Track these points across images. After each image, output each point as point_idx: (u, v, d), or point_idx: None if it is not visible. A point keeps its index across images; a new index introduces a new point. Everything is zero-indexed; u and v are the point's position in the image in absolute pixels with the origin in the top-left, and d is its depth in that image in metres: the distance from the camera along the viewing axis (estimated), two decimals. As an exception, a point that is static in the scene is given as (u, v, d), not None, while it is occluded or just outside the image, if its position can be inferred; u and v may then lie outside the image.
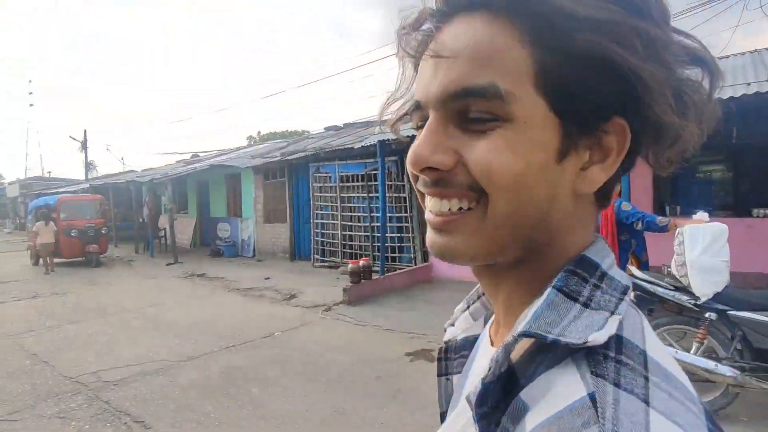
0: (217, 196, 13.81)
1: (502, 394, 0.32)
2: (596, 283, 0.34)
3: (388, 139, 7.20)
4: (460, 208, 0.35)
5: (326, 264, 9.92)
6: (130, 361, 4.60)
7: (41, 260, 11.98)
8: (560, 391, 0.30)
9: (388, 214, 8.36)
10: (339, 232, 9.71)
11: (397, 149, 7.67)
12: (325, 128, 13.99)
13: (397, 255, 8.59)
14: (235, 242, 12.51)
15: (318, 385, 3.88)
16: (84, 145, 25.26)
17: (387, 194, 7.98)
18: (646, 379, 0.29)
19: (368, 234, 9.04)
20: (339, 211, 9.67)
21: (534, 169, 0.33)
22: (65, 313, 6.79)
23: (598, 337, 0.30)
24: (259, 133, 41.29)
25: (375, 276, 7.13)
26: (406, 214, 8.43)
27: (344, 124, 13.44)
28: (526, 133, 0.32)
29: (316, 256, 10.17)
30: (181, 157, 21.52)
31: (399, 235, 8.58)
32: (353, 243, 9.49)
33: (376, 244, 8.97)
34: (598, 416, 0.27)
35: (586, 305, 0.32)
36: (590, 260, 0.35)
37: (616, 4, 0.31)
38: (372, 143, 7.35)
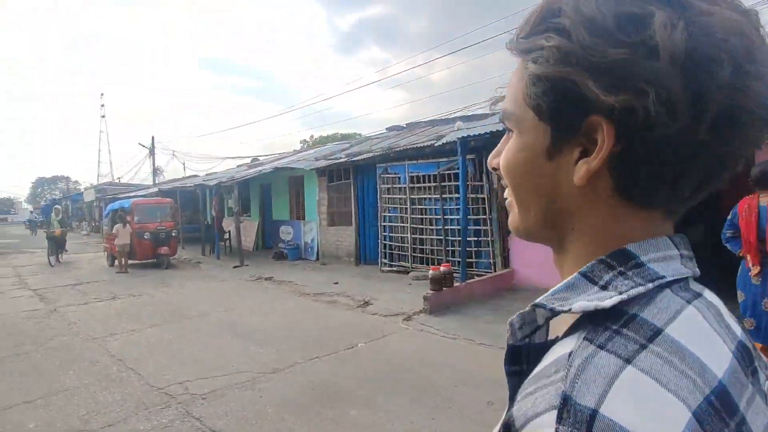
0: (280, 198, 13.82)
1: (534, 358, 0.37)
2: (623, 271, 0.36)
3: (469, 136, 6.67)
4: (509, 195, 0.45)
5: (395, 269, 9.50)
6: (215, 371, 4.36)
7: (117, 261, 12.48)
8: (557, 350, 0.35)
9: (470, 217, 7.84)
10: (408, 235, 9.27)
11: (475, 146, 7.11)
12: (387, 128, 13.65)
13: (473, 260, 8.02)
14: (299, 245, 12.41)
15: (423, 409, 3.43)
16: (152, 152, 26.58)
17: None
18: (642, 346, 0.31)
19: (440, 237, 8.54)
20: (408, 213, 9.22)
21: (523, 163, 0.41)
22: (144, 316, 6.79)
23: (583, 305, 0.34)
24: (312, 137, 41.93)
25: (456, 283, 6.60)
26: (484, 216, 7.84)
27: (407, 124, 13.04)
28: (520, 138, 0.41)
29: (383, 260, 9.78)
30: (241, 161, 22.04)
31: (476, 239, 8.01)
32: (423, 247, 9.02)
33: (450, 248, 8.45)
34: (568, 365, 0.32)
35: (604, 288, 0.35)
36: (627, 252, 0.37)
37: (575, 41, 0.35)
38: (452, 140, 6.82)
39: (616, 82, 0.33)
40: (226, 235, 14.04)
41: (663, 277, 0.35)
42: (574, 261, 0.41)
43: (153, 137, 27.04)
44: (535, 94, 0.38)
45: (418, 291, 7.52)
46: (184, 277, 10.53)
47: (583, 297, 0.35)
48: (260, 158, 20.60)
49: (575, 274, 0.38)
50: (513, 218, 0.45)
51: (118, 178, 40.21)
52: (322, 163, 11.26)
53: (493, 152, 0.46)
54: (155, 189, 19.56)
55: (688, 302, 0.35)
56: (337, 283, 8.65)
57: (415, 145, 8.87)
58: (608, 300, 0.33)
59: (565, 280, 0.38)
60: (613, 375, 0.30)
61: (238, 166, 20.02)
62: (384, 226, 9.77)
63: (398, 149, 9.27)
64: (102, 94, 71.30)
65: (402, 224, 9.42)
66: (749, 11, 0.35)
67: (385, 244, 9.77)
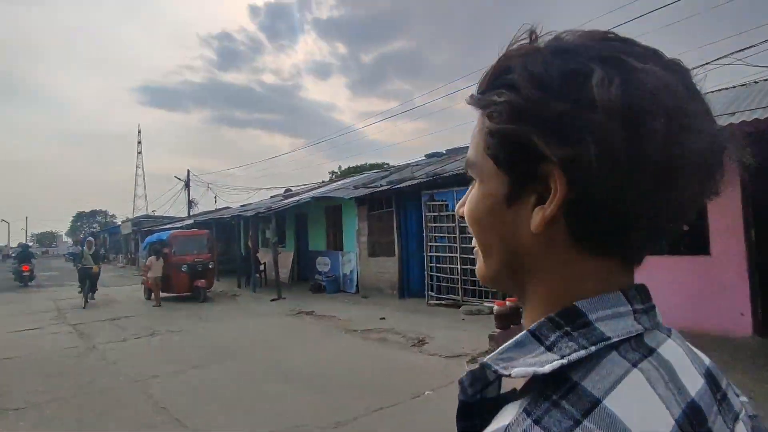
0: (317, 228, 13.52)
1: (487, 413, 0.37)
2: (569, 331, 0.36)
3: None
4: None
5: (443, 302, 8.89)
6: (271, 423, 3.86)
7: (152, 294, 12.31)
8: (497, 420, 0.34)
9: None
10: (458, 266, 8.70)
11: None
12: (426, 156, 13.31)
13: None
14: (337, 277, 11.96)
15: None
16: (187, 184, 27.09)
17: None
18: (577, 422, 0.31)
19: (494, 268, 7.93)
20: (458, 242, 8.69)
21: (485, 211, 0.42)
22: (185, 354, 6.40)
23: (521, 371, 0.34)
24: (340, 167, 42.20)
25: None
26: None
27: (447, 150, 12.66)
28: (481, 186, 0.42)
29: (430, 293, 9.20)
30: (274, 192, 22.09)
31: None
32: (475, 278, 8.40)
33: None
34: None
35: (549, 348, 0.35)
36: (576, 310, 0.37)
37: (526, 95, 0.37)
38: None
39: (561, 133, 0.35)
40: (261, 267, 13.76)
41: (608, 338, 0.35)
42: (531, 313, 0.41)
43: (188, 170, 27.66)
44: (493, 145, 0.39)
45: (475, 327, 6.90)
46: (222, 311, 10.19)
47: (528, 357, 0.35)
48: (292, 189, 20.58)
49: (524, 331, 0.38)
50: (479, 266, 0.45)
51: (153, 210, 41.29)
52: (362, 192, 10.92)
53: (460, 201, 0.47)
54: (190, 221, 19.70)
55: (634, 365, 0.34)
56: (383, 318, 8.10)
57: (463, 170, 8.41)
58: (548, 365, 0.33)
59: (515, 337, 0.38)
60: None
61: (271, 197, 20.01)
62: (430, 256, 9.23)
63: (446, 174, 8.83)
64: (139, 131, 74.47)
65: (450, 254, 8.87)
66: (679, 68, 0.38)
67: (431, 276, 9.21)
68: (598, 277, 0.38)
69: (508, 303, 5.71)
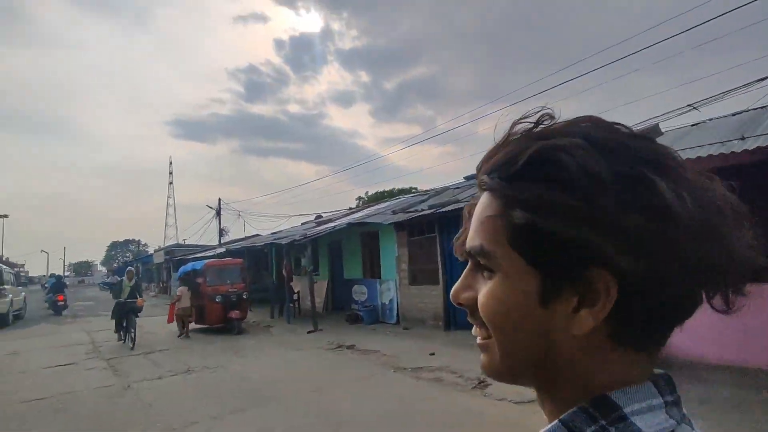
0: (352, 256, 13.05)
1: None
2: (604, 426, 0.35)
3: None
4: (485, 337, 0.42)
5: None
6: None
7: (184, 325, 11.98)
8: None
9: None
10: (511, 295, 8.00)
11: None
12: (465, 177, 12.78)
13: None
14: (375, 306, 11.37)
15: None
16: (218, 212, 27.29)
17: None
18: None
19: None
20: (510, 269, 8.02)
21: (514, 311, 0.38)
22: (224, 396, 5.90)
23: None
24: (367, 193, 42.05)
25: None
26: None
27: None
28: (507, 282, 0.38)
29: (481, 325, 8.48)
30: (305, 218, 21.88)
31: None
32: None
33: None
34: None
35: None
36: (610, 401, 0.36)
37: (555, 189, 0.35)
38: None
39: (629, 243, 0.34)
40: (295, 296, 13.32)
41: None
42: (557, 402, 0.40)
43: (219, 199, 27.90)
44: (530, 242, 0.36)
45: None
46: (258, 345, 9.71)
47: None
48: (323, 215, 20.31)
49: (556, 421, 0.37)
50: (491, 360, 0.42)
51: (184, 239, 41.90)
52: (403, 217, 10.43)
53: (459, 285, 0.43)
54: (222, 249, 19.60)
55: None
56: (433, 354, 7.43)
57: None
58: None
59: (546, 428, 0.38)
60: None
61: (302, 224, 19.76)
62: (479, 284, 8.56)
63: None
64: (171, 163, 76.96)
65: (501, 283, 8.19)
66: (731, 184, 0.38)
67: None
68: (629, 366, 0.37)
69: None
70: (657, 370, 0.39)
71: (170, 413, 5.24)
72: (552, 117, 0.39)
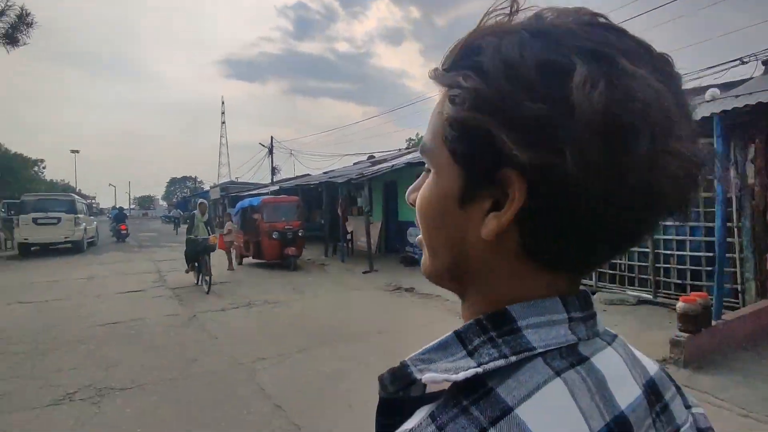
0: (408, 197, 12.54)
1: (409, 412, 0.34)
2: (494, 337, 0.34)
3: (735, 109, 4.56)
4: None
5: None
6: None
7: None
8: (408, 422, 0.33)
9: (700, 223, 5.70)
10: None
11: (738, 123, 4.93)
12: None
13: (702, 283, 5.81)
14: (432, 250, 10.98)
15: None
16: (270, 151, 27.39)
17: (702, 193, 5.28)
18: (483, 431, 0.29)
19: (644, 250, 6.43)
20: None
21: (436, 210, 0.38)
22: (288, 333, 5.80)
23: (432, 376, 0.32)
24: (417, 134, 40.75)
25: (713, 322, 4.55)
26: (729, 224, 5.59)
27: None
28: (436, 180, 0.38)
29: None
30: (356, 158, 21.43)
31: (707, 253, 5.80)
32: (614, 261, 6.95)
33: (661, 264, 6.33)
34: None
35: (470, 354, 0.34)
36: (506, 314, 0.35)
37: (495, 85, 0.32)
38: (704, 115, 4.73)
39: (532, 137, 0.31)
40: (348, 236, 13.18)
41: (533, 348, 0.33)
42: (467, 312, 0.40)
43: (272, 137, 27.82)
44: (451, 135, 0.35)
45: (623, 322, 5.58)
46: (315, 282, 9.68)
47: (447, 362, 0.34)
48: (375, 155, 19.73)
49: (451, 332, 0.36)
50: (424, 260, 0.43)
51: (236, 177, 42.97)
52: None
53: (412, 186, 0.44)
54: (276, 187, 19.70)
55: (558, 374, 0.32)
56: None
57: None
58: (462, 373, 0.32)
59: (441, 337, 0.36)
60: None
61: (354, 164, 19.34)
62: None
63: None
64: (223, 102, 77.81)
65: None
66: (672, 76, 0.33)
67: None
68: (540, 284, 0.36)
69: (698, 300, 4.32)
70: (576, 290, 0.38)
71: (236, 348, 5.19)
72: (515, 2, 0.35)
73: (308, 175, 23.40)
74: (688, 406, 0.41)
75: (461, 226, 0.37)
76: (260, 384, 4.14)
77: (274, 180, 27.12)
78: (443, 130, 0.36)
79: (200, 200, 9.72)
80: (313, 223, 15.95)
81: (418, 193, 0.40)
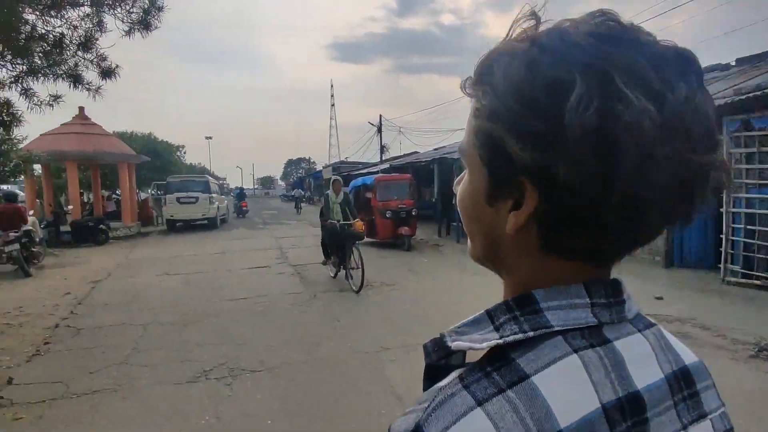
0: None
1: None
2: (517, 315, 0.38)
3: None
4: None
5: (757, 282, 6.00)
6: None
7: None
8: (441, 382, 0.37)
9: None
10: (794, 230, 5.65)
11: None
12: (737, 60, 9.46)
13: None
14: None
15: None
16: (379, 129, 27.51)
17: None
18: (501, 391, 0.33)
19: None
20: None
21: (470, 205, 0.43)
22: (412, 321, 5.40)
23: (459, 345, 0.37)
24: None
25: None
26: None
27: (737, 60, 8.70)
28: (470, 178, 0.43)
29: (729, 265, 6.36)
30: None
31: None
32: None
33: None
34: (433, 397, 0.35)
35: (497, 329, 0.38)
36: (531, 297, 0.38)
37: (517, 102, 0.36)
38: None
39: (535, 150, 0.35)
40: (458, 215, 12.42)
41: (551, 326, 0.36)
42: (505, 292, 0.43)
43: (381, 116, 27.86)
44: (477, 143, 0.40)
45: None
46: (431, 264, 9.22)
47: (476, 334, 0.38)
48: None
49: (482, 311, 0.40)
50: (469, 245, 0.46)
51: (346, 157, 44.36)
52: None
53: (457, 180, 0.47)
54: (386, 165, 19.61)
55: (576, 351, 0.36)
56: (660, 297, 5.80)
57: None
58: (485, 343, 0.36)
59: (475, 314, 0.40)
60: (461, 414, 0.33)
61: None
62: (732, 213, 6.29)
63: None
64: (332, 86, 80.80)
65: (776, 211, 5.84)
66: (681, 85, 0.34)
67: (733, 242, 6.31)
68: (564, 272, 0.39)
69: None
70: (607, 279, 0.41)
71: (357, 332, 4.93)
72: (536, 15, 0.39)
73: (416, 152, 22.97)
74: (721, 404, 0.43)
75: (490, 220, 0.41)
76: (387, 378, 3.77)
77: (383, 158, 27.21)
78: (472, 135, 0.40)
79: (334, 177, 8.00)
80: (423, 202, 15.51)
81: (459, 189, 0.45)
